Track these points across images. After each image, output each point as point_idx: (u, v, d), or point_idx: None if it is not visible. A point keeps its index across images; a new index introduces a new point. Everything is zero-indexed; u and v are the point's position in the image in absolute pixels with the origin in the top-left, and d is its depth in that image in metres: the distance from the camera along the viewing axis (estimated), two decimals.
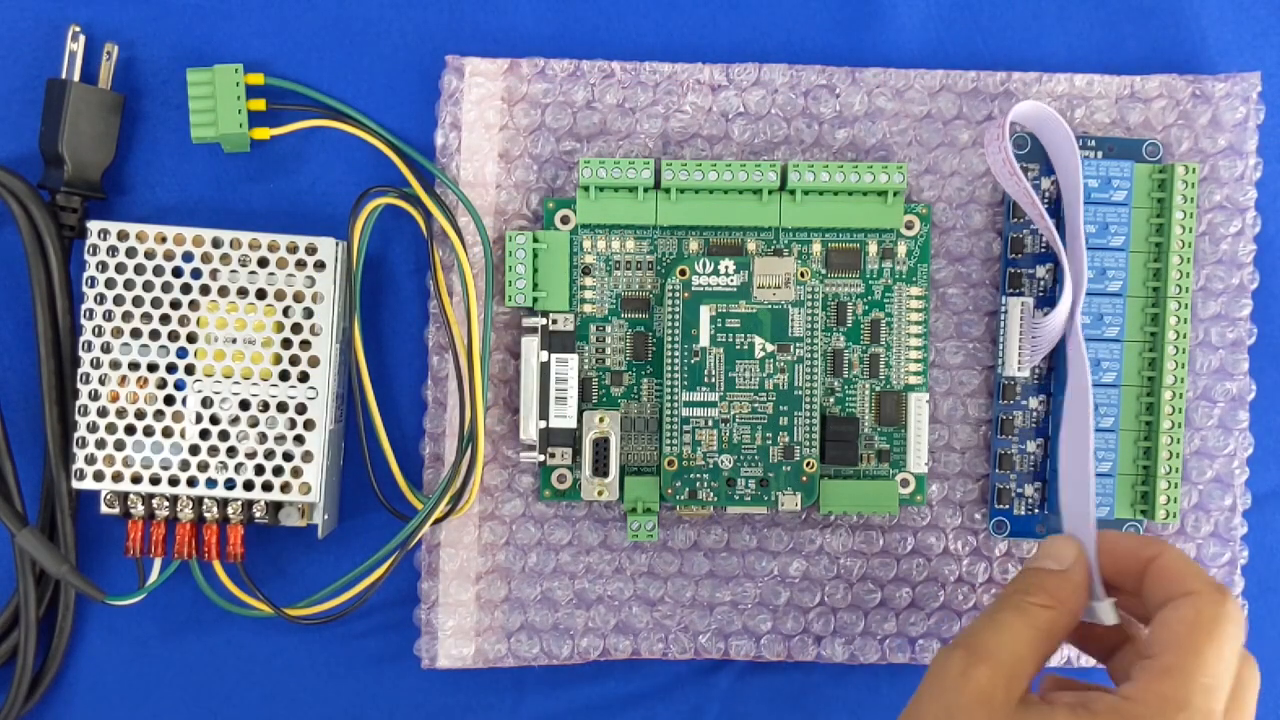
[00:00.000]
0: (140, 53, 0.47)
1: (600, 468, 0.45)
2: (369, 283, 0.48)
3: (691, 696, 0.49)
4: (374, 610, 0.48)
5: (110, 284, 0.44)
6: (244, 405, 0.44)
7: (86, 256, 0.44)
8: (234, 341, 0.44)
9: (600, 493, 0.45)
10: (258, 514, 0.45)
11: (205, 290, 0.44)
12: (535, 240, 0.46)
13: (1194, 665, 0.35)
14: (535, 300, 0.46)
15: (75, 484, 0.44)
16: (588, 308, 0.47)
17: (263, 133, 0.46)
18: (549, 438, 0.46)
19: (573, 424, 0.45)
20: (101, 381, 0.44)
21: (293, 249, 0.44)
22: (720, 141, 0.48)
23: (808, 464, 0.46)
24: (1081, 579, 0.39)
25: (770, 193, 0.46)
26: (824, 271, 0.47)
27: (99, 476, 0.44)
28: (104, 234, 0.44)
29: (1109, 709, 0.34)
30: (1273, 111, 0.48)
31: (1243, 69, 0.49)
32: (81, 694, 0.48)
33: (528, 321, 0.46)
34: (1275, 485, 0.49)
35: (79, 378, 0.44)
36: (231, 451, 0.44)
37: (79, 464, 0.44)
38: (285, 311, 0.44)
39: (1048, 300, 0.47)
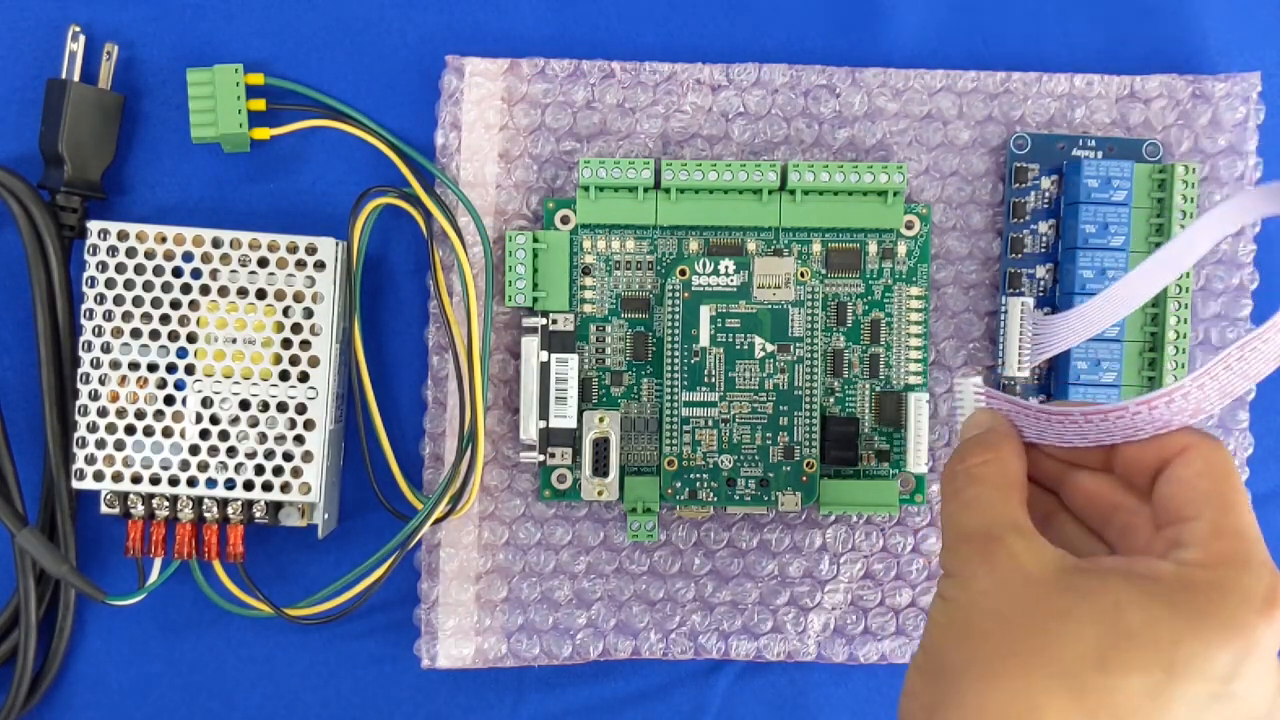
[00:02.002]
0: (140, 53, 0.47)
1: (600, 468, 0.45)
2: (369, 283, 0.48)
3: (691, 696, 0.49)
4: (374, 610, 0.48)
5: (110, 284, 0.44)
6: (244, 405, 0.44)
7: (86, 256, 0.44)
8: (234, 341, 0.44)
9: (600, 493, 0.45)
10: (258, 514, 0.45)
11: (205, 290, 0.44)
12: (535, 240, 0.46)
13: (1242, 520, 0.33)
14: (535, 300, 0.46)
15: (75, 484, 0.44)
16: (588, 308, 0.47)
17: (263, 133, 0.46)
18: (549, 438, 0.46)
19: (573, 424, 0.45)
20: (101, 381, 0.44)
21: (293, 249, 0.44)
22: (720, 141, 0.48)
23: (808, 464, 0.46)
24: (1004, 427, 0.37)
25: (770, 193, 0.46)
26: (824, 271, 0.47)
27: (99, 476, 0.44)
28: (104, 234, 0.44)
29: (1178, 577, 0.32)
30: (1273, 111, 0.48)
31: (1243, 69, 0.49)
32: (81, 694, 0.48)
33: (528, 321, 0.46)
34: (1275, 485, 0.49)
35: (79, 378, 0.44)
36: (231, 451, 0.44)
37: (79, 464, 0.44)
38: (285, 311, 0.44)
39: (1048, 300, 0.47)
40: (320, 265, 0.44)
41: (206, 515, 0.44)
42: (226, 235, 0.44)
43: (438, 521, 0.45)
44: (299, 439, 0.44)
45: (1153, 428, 0.34)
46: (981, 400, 0.38)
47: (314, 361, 0.44)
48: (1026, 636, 0.32)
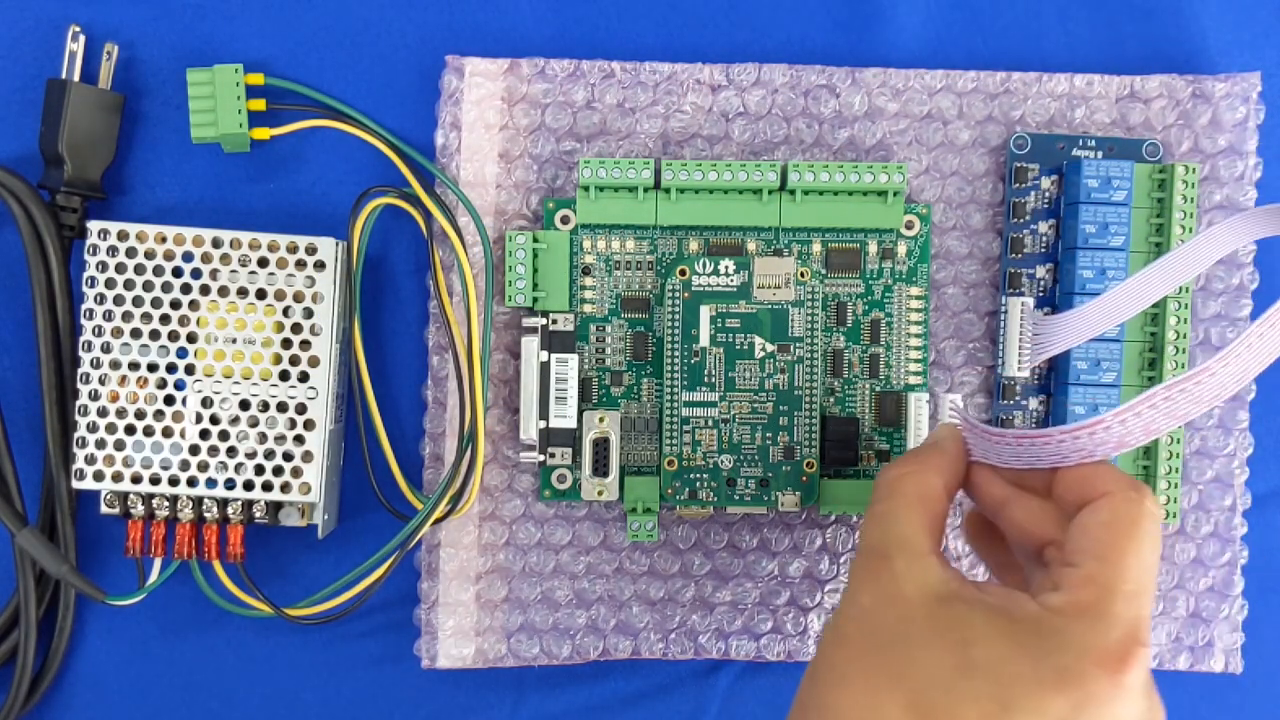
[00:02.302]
0: (140, 53, 0.47)
1: (600, 468, 0.45)
2: (369, 283, 0.48)
3: (691, 696, 0.49)
4: (374, 610, 0.48)
5: (110, 284, 0.44)
6: (244, 405, 0.44)
7: (86, 256, 0.44)
8: (234, 341, 0.44)
9: (600, 493, 0.45)
10: (258, 514, 0.45)
11: (205, 290, 0.44)
12: (535, 240, 0.46)
13: (1116, 573, 0.34)
14: (535, 300, 0.46)
15: (75, 484, 0.44)
16: (588, 308, 0.47)
17: (263, 133, 0.46)
18: (549, 438, 0.46)
19: (573, 424, 0.45)
20: (101, 381, 0.44)
21: (293, 249, 0.44)
22: (720, 141, 0.48)
23: (808, 464, 0.46)
24: (947, 443, 0.38)
25: (770, 193, 0.46)
26: (824, 271, 0.47)
27: (99, 476, 0.44)
28: (104, 234, 0.44)
29: (1033, 620, 0.33)
30: (1273, 111, 0.48)
31: (1243, 69, 0.49)
32: (81, 694, 0.48)
33: (528, 321, 0.46)
34: (1275, 485, 0.49)
35: (79, 378, 0.44)
36: (231, 451, 0.44)
37: (79, 464, 0.44)
38: (285, 311, 0.44)
39: (1048, 300, 0.47)
40: (320, 265, 0.44)
41: (206, 515, 0.44)
42: (226, 235, 0.44)
43: (438, 521, 0.45)
44: (299, 439, 0.44)
45: (1078, 456, 0.36)
46: (956, 417, 0.39)
47: (314, 361, 0.44)
48: (884, 654, 0.34)
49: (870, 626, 0.35)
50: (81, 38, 0.46)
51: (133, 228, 0.44)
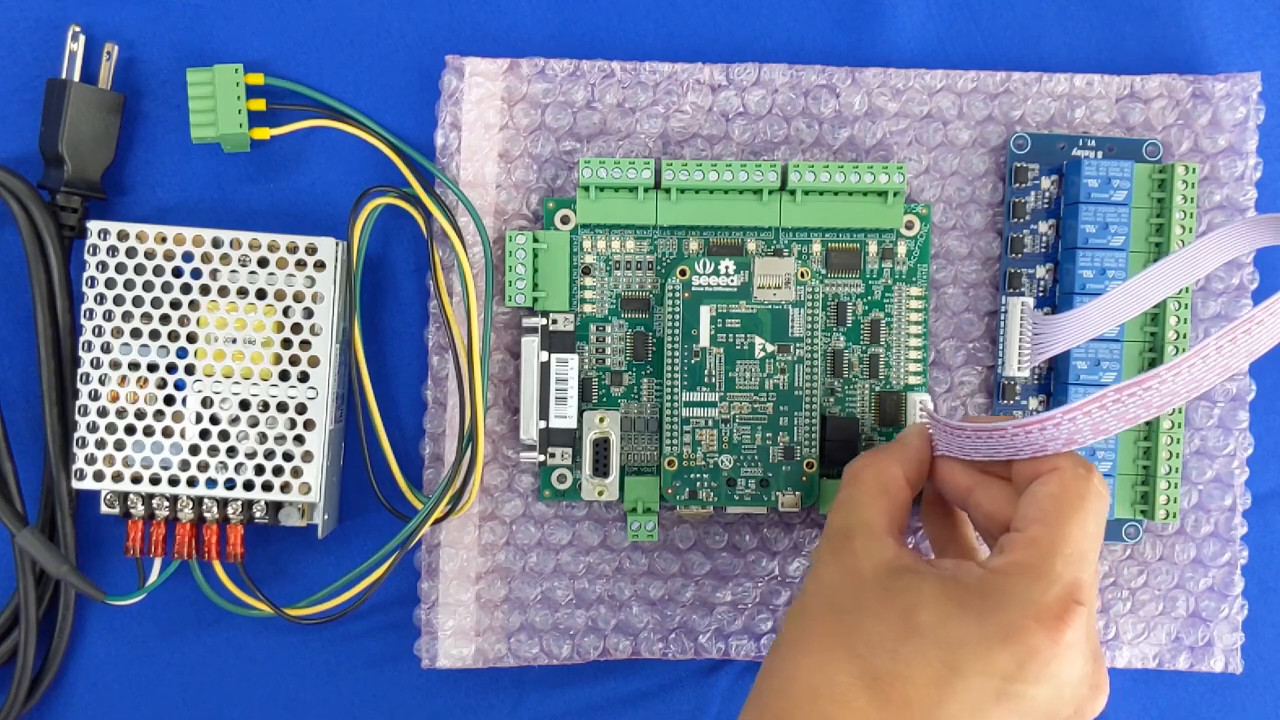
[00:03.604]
0: (140, 53, 0.47)
1: (601, 468, 0.45)
2: (369, 283, 0.48)
3: (691, 696, 0.49)
4: (374, 610, 0.48)
5: (110, 284, 0.44)
6: (244, 405, 0.44)
7: (86, 256, 0.44)
8: (234, 341, 0.44)
9: (601, 493, 0.45)
10: (258, 514, 0.45)
11: (205, 290, 0.44)
12: (535, 240, 0.46)
13: (1058, 536, 0.36)
14: (535, 300, 0.46)
15: (75, 484, 0.44)
16: (588, 308, 0.47)
17: (263, 133, 0.46)
18: (549, 438, 0.46)
19: (573, 424, 0.45)
20: (101, 381, 0.44)
21: (293, 249, 0.44)
22: (720, 141, 0.48)
23: (808, 464, 0.46)
24: (911, 437, 0.41)
25: (770, 193, 0.46)
26: (824, 271, 0.47)
27: (99, 476, 0.44)
28: (104, 234, 0.44)
29: (977, 581, 0.36)
30: (1273, 111, 0.48)
31: (1243, 69, 0.49)
32: (81, 694, 0.48)
33: (528, 321, 0.46)
34: (1275, 485, 0.49)
35: (79, 378, 0.44)
36: (231, 451, 0.44)
37: (79, 464, 0.44)
38: (285, 311, 0.44)
39: (1048, 300, 0.47)
40: (320, 265, 0.44)
41: (206, 515, 0.44)
42: (226, 235, 0.44)
43: (438, 521, 0.45)
44: (299, 439, 0.44)
45: (1030, 450, 0.37)
46: (924, 416, 0.42)
47: (314, 361, 0.44)
48: (840, 622, 0.36)
49: (829, 599, 0.37)
50: (81, 38, 0.46)
51: (133, 228, 0.44)
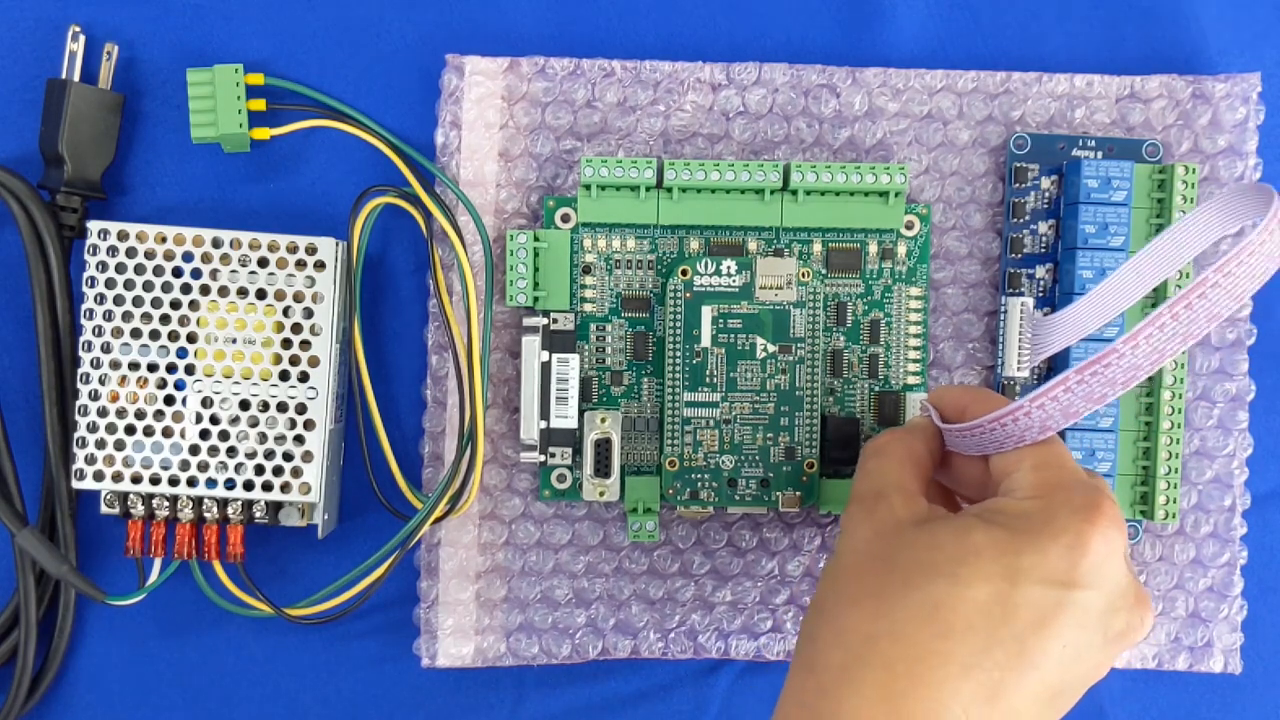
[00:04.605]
0: (140, 53, 0.47)
1: (602, 468, 0.45)
2: (369, 283, 0.48)
3: (691, 696, 0.49)
4: (374, 610, 0.48)
5: (110, 284, 0.44)
6: (244, 405, 0.44)
7: (86, 256, 0.44)
8: (234, 341, 0.44)
9: (602, 493, 0.45)
10: (258, 514, 0.45)
11: (205, 290, 0.44)
12: (536, 239, 0.46)
13: (1053, 454, 0.38)
14: (535, 299, 0.46)
15: (75, 484, 0.44)
16: (588, 307, 0.47)
17: (263, 133, 0.46)
18: (549, 438, 0.46)
19: (573, 424, 0.45)
20: (101, 381, 0.44)
21: (293, 249, 0.44)
22: (720, 141, 0.48)
23: (808, 464, 0.46)
24: (925, 423, 0.42)
25: (772, 193, 0.46)
26: (824, 272, 0.47)
27: (99, 476, 0.44)
28: (104, 234, 0.44)
29: (1014, 509, 0.37)
30: (1273, 111, 0.48)
31: (1243, 69, 0.49)
32: (81, 694, 0.48)
33: (528, 321, 0.46)
34: (1275, 485, 0.49)
35: (79, 378, 0.44)
36: (231, 451, 0.44)
37: (79, 464, 0.44)
38: (285, 311, 0.44)
39: (1048, 300, 0.47)
40: (320, 265, 0.44)
41: (206, 515, 0.44)
42: (226, 235, 0.44)
43: (437, 521, 0.45)
44: (299, 439, 0.44)
45: (1012, 441, 0.39)
46: (923, 412, 0.43)
47: (314, 361, 0.44)
48: (886, 568, 0.37)
49: (869, 553, 0.38)
50: (81, 38, 0.46)
51: (133, 228, 0.44)
